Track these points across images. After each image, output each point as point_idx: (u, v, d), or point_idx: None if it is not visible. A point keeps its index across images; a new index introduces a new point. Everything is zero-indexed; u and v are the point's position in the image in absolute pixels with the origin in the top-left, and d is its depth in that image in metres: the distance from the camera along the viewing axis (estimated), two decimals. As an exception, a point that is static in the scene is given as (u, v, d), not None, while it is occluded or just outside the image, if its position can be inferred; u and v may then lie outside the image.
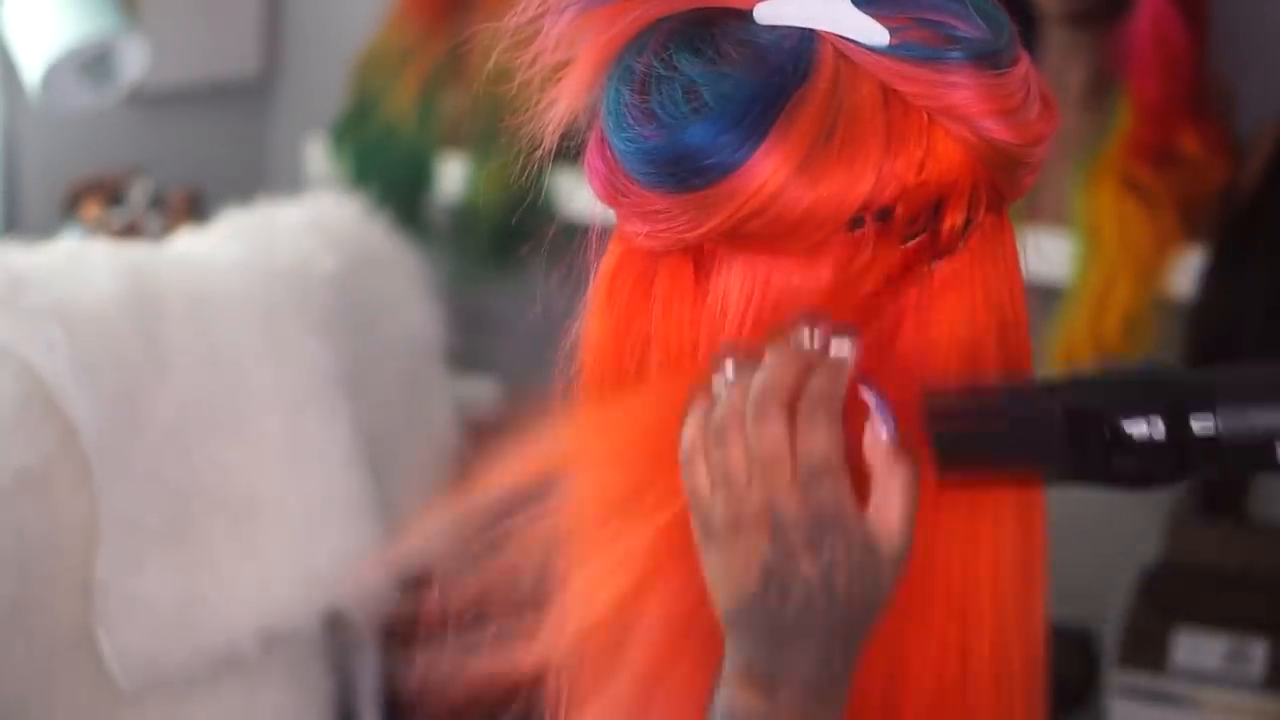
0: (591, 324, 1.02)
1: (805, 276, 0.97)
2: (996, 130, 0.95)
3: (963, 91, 0.94)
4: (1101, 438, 0.92)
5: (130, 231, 2.39)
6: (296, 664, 2.13)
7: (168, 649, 1.98)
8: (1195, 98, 2.34)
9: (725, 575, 0.93)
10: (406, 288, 2.36)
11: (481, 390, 2.65)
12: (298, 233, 2.24)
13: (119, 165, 2.56)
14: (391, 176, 2.72)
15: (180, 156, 2.78)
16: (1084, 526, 2.44)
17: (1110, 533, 2.47)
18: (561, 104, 0.99)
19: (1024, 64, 0.97)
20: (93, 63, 2.38)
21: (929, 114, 0.95)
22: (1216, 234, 2.29)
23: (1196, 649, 2.30)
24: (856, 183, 0.94)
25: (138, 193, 2.43)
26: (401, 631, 2.00)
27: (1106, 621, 2.44)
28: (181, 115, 2.83)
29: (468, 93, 2.66)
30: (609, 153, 0.98)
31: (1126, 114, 2.34)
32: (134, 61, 2.40)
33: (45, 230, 2.35)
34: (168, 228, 2.38)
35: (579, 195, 1.12)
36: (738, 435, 0.92)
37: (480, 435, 2.40)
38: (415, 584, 1.02)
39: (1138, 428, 0.91)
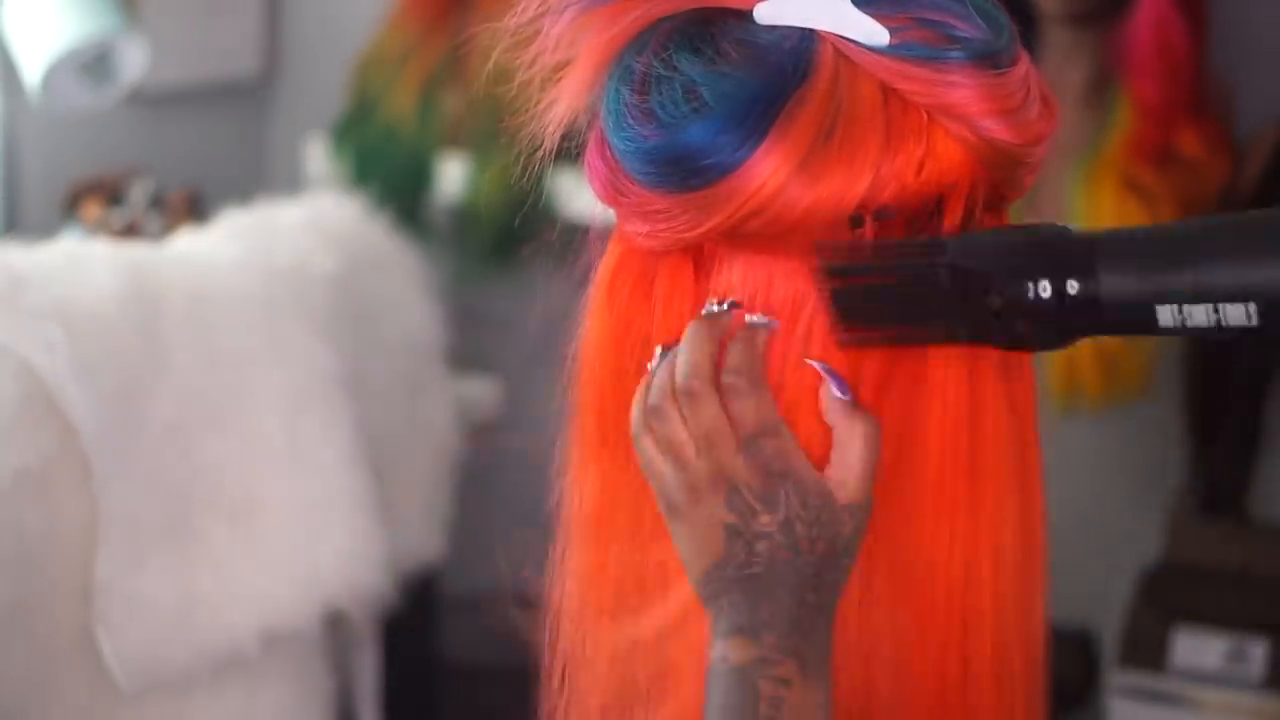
0: (591, 324, 1.02)
1: (805, 276, 0.97)
2: (996, 130, 0.95)
3: (963, 91, 0.94)
4: (986, 297, 0.93)
5: (130, 231, 2.39)
6: (296, 664, 2.13)
7: (168, 649, 1.98)
8: (1195, 98, 2.34)
9: (693, 544, 0.96)
10: (406, 288, 2.36)
11: (481, 390, 2.65)
12: (297, 233, 2.24)
13: (119, 165, 2.56)
14: (391, 177, 2.72)
15: (180, 156, 2.78)
16: (1084, 526, 2.44)
17: (1110, 533, 2.47)
18: (562, 104, 1.00)
19: (1024, 64, 0.97)
20: (93, 63, 2.38)
21: (929, 113, 0.95)
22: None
23: (1196, 649, 2.30)
24: (856, 182, 0.94)
25: (138, 193, 2.43)
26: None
27: (1106, 622, 2.44)
28: (181, 115, 2.83)
29: (468, 93, 2.66)
30: (609, 152, 0.99)
31: (1126, 114, 2.35)
32: (134, 61, 2.40)
33: (45, 230, 2.35)
34: (168, 228, 2.38)
35: (579, 195, 1.12)
36: (674, 411, 0.96)
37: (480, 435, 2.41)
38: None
39: (1021, 289, 0.92)
